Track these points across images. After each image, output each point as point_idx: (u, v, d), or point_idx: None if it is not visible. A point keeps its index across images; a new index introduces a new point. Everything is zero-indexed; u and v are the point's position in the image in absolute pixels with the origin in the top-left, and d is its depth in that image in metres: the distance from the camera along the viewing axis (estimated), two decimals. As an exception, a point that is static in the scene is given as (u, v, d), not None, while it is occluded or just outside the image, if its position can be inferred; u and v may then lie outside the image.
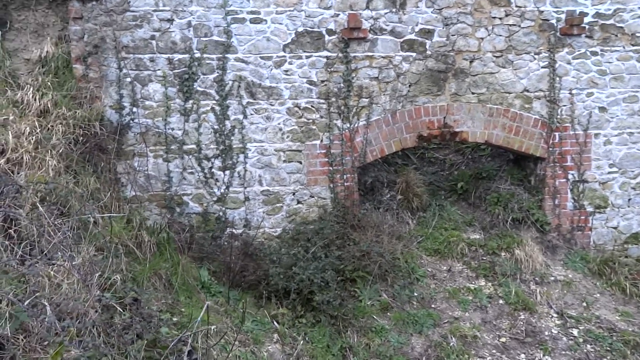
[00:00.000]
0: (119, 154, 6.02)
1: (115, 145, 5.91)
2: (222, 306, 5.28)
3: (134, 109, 6.11)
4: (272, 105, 6.36)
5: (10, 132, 4.74)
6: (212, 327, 4.15)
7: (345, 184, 6.54)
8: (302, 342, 5.14)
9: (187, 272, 5.31)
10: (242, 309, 4.97)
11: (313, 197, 6.53)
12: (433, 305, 5.85)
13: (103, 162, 5.60)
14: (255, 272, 5.74)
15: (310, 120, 6.44)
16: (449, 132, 6.68)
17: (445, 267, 6.35)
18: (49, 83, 5.64)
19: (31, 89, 5.44)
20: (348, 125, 6.48)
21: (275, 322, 5.29)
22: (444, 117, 6.63)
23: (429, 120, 6.62)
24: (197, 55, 6.16)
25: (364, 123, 6.50)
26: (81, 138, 5.41)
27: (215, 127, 6.28)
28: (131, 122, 6.10)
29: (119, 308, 3.57)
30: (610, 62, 6.72)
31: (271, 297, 5.55)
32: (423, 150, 8.26)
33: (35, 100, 5.37)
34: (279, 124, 6.39)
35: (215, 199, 6.36)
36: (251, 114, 6.34)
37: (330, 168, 6.49)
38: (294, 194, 6.50)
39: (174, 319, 4.37)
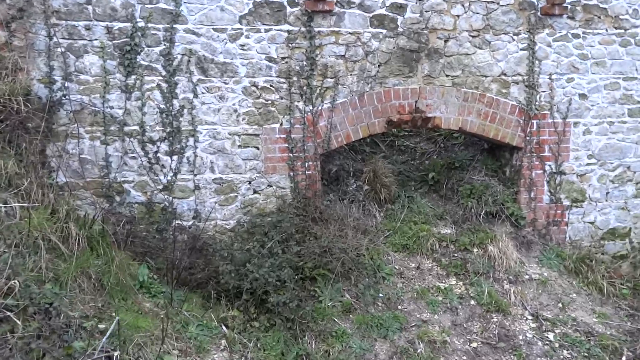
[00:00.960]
0: (48, 134, 5.28)
1: (44, 125, 5.15)
2: (163, 309, 4.66)
3: (67, 84, 5.36)
4: (227, 83, 5.71)
5: None
6: (138, 337, 3.53)
7: (306, 172, 5.99)
8: (253, 349, 4.59)
9: (122, 270, 4.67)
10: (180, 312, 4.36)
11: (271, 186, 5.94)
12: (400, 307, 5.36)
13: (26, 144, 4.85)
14: (204, 269, 5.23)
15: (269, 102, 5.83)
16: (421, 117, 6.18)
17: (413, 265, 5.86)
18: (-39, 50, 4.85)
19: (-63, 56, 4.66)
20: (311, 108, 5.92)
21: (224, 327, 4.74)
22: (416, 101, 6.12)
23: (400, 104, 6.10)
24: (141, 24, 5.45)
25: (328, 106, 5.93)
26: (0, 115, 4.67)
27: (162, 106, 5.61)
28: (63, 98, 5.36)
29: (17, 321, 2.92)
30: (592, 46, 6.31)
31: (221, 297, 5.01)
32: (392, 138, 7.82)
33: (-58, 69, 4.60)
34: (233, 104, 5.76)
35: (160, 187, 5.70)
36: (202, 93, 5.68)
37: (291, 155, 5.92)
38: (249, 182, 5.89)
39: (101, 326, 3.76)
